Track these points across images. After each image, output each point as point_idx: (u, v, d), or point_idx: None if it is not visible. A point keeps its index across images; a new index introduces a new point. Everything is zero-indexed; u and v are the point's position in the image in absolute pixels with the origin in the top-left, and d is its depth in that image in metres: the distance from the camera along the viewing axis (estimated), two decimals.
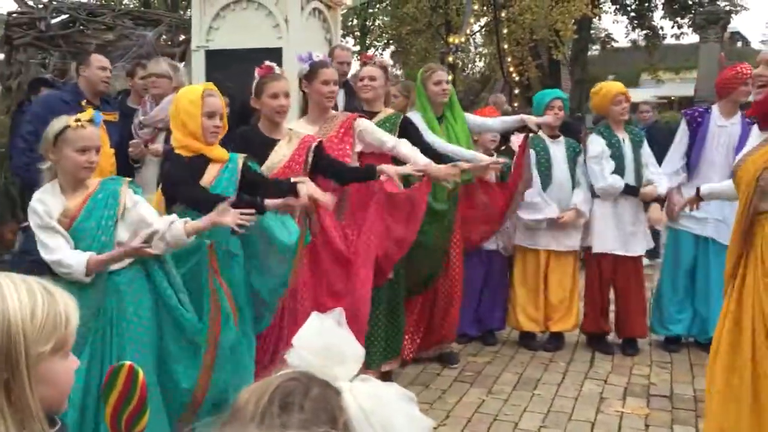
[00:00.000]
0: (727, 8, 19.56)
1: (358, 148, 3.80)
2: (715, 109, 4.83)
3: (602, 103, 4.87)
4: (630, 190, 4.75)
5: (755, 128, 3.02)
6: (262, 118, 3.56)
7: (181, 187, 3.02)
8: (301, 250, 3.26)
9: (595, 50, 26.57)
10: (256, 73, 3.50)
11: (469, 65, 22.24)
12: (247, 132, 3.62)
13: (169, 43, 7.13)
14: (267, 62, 3.54)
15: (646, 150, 4.92)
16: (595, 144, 4.83)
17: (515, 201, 4.69)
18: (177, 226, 2.71)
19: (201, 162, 3.10)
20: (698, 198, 3.29)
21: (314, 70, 3.70)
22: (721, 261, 3.16)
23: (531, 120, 4.71)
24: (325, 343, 0.92)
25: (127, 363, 2.36)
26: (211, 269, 2.92)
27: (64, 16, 7.12)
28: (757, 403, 2.69)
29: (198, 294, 2.88)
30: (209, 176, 3.09)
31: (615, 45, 26.08)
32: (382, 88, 4.19)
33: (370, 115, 4.10)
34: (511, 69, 14.02)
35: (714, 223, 4.66)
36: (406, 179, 3.82)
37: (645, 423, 3.73)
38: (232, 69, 4.94)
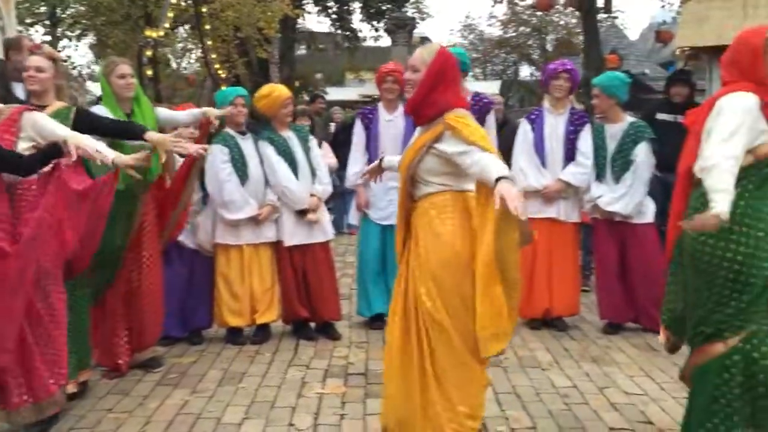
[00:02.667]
0: (414, 15, 21.59)
1: (27, 144, 3.47)
2: (380, 105, 5.37)
3: (273, 105, 5.03)
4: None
5: None
6: None
7: None
8: None
9: (302, 49, 27.46)
10: None
11: (177, 61, 21.57)
12: None
13: None
14: None
15: (314, 144, 5.28)
16: (267, 149, 5.01)
17: (186, 195, 4.62)
18: None
19: None
20: (380, 168, 3.55)
21: None
22: None
23: (213, 112, 4.73)
24: None
25: None
26: None
27: None
28: (405, 380, 2.99)
29: None
30: None
31: (320, 45, 27.25)
32: (50, 81, 3.90)
33: (38, 109, 3.80)
34: (218, 66, 13.91)
35: (393, 213, 5.14)
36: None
37: (342, 400, 3.97)
38: None
